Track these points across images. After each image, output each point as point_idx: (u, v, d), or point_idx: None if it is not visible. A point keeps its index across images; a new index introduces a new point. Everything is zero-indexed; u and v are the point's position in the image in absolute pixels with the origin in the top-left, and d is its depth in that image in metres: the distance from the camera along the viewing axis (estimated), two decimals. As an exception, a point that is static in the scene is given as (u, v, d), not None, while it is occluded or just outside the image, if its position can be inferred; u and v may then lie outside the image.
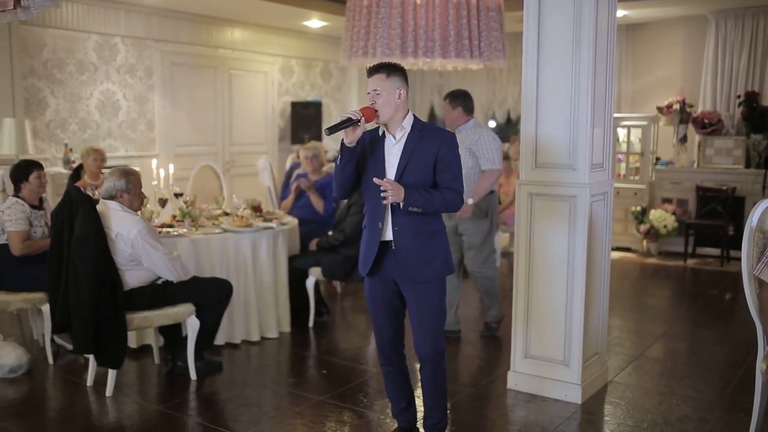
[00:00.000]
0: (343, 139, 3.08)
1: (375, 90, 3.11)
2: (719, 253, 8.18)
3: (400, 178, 3.11)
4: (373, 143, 3.20)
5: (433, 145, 3.13)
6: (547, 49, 3.98)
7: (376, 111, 3.10)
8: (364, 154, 3.18)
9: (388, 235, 3.16)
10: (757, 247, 3.31)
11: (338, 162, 3.15)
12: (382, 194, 3.02)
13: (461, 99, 5.16)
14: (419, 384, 3.46)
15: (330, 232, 5.67)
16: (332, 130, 3.03)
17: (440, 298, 3.25)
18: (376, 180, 3.03)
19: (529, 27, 4.04)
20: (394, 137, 3.17)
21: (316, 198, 6.14)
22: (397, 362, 3.38)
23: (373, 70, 3.16)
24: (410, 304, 3.24)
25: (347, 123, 3.02)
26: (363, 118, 3.04)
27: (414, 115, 3.21)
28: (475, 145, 5.01)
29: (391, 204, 3.07)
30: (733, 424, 3.82)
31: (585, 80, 3.87)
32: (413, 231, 3.13)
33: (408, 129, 3.16)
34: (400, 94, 3.12)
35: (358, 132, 3.05)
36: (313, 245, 5.72)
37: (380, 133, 3.20)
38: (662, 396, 4.21)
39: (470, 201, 4.92)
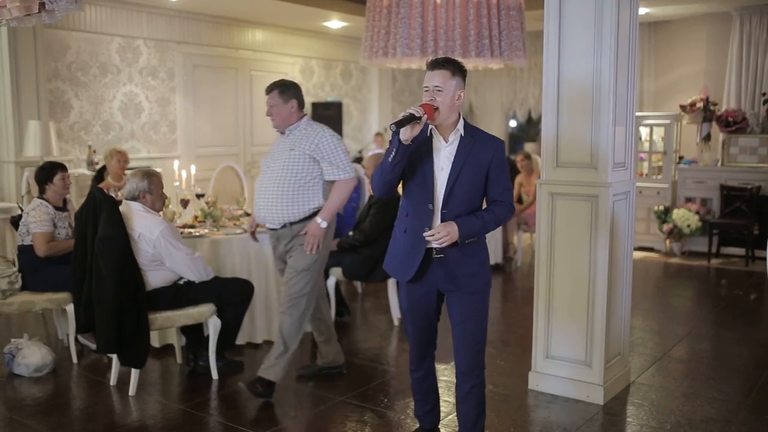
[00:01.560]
0: (396, 136, 2.85)
1: (437, 87, 2.89)
2: (744, 253, 8.08)
3: (452, 185, 2.94)
4: (419, 145, 2.97)
5: (486, 152, 2.97)
6: (568, 48, 3.96)
7: (436, 109, 2.88)
8: (410, 156, 2.95)
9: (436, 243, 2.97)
10: (782, 247, 3.27)
11: (389, 159, 2.89)
12: (437, 242, 2.88)
13: (293, 91, 4.28)
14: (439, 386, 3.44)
15: (351, 232, 5.68)
16: (398, 125, 2.80)
17: (486, 308, 3.11)
18: (426, 235, 2.90)
19: (549, 25, 4.01)
20: (446, 140, 2.97)
21: None
22: (428, 366, 3.32)
23: (437, 65, 2.92)
24: (456, 315, 3.07)
25: (411, 119, 2.80)
26: (425, 115, 2.84)
27: (464, 118, 3.04)
28: (317, 150, 4.06)
29: (441, 212, 2.94)
30: (758, 426, 3.77)
31: (606, 79, 3.84)
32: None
33: (461, 132, 2.97)
34: (459, 96, 2.94)
35: (417, 129, 2.83)
36: (333, 245, 5.73)
37: (428, 133, 2.98)
38: (686, 397, 4.16)
39: (323, 224, 4.05)
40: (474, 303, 3.05)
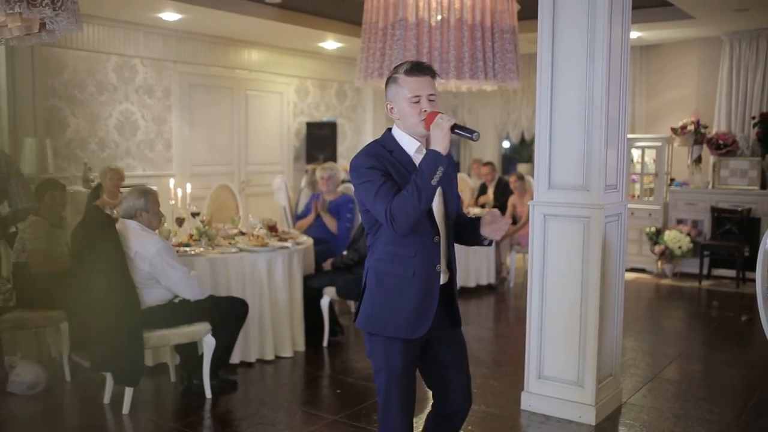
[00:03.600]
0: (436, 151, 2.41)
1: (431, 95, 2.51)
2: (735, 275, 8.13)
3: (446, 208, 2.64)
4: (403, 164, 2.54)
5: (451, 164, 2.66)
6: (560, 71, 4.02)
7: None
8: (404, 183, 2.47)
9: (444, 278, 2.62)
10: (771, 269, 3.32)
11: (434, 181, 2.38)
12: (497, 235, 2.59)
13: None
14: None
15: (345, 252, 5.71)
16: (460, 129, 2.44)
17: None
18: (494, 224, 2.58)
19: (543, 49, 4.08)
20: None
21: (329, 218, 6.18)
22: None
23: (425, 70, 2.53)
24: (449, 352, 2.69)
25: (471, 133, 2.46)
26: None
27: None
28: None
29: (445, 238, 2.62)
30: (749, 447, 3.80)
31: (598, 102, 3.90)
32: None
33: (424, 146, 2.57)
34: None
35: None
36: (327, 265, 5.76)
37: (414, 150, 2.56)
38: (677, 418, 4.19)
39: None
40: (460, 334, 2.76)
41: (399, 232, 2.44)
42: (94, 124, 7.94)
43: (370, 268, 2.61)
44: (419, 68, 2.52)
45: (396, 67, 2.58)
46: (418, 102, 2.50)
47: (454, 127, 2.43)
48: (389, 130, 2.63)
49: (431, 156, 2.40)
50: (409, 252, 2.54)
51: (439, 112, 2.47)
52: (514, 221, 7.99)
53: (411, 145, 2.56)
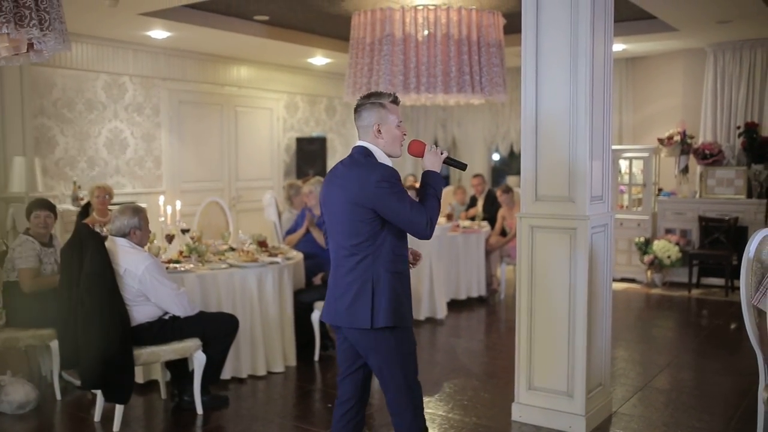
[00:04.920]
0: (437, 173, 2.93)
1: (401, 121, 2.98)
2: (723, 283, 8.19)
3: None
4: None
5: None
6: (545, 84, 4.08)
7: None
8: None
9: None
10: (755, 277, 3.36)
11: (440, 198, 2.92)
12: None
13: None
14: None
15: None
16: (451, 162, 3.06)
17: None
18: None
19: (527, 62, 4.14)
20: None
21: (318, 233, 6.19)
22: None
23: (398, 101, 3.01)
24: None
25: (458, 165, 3.10)
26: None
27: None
28: None
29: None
30: (738, 454, 3.82)
31: (582, 115, 3.95)
32: None
33: None
34: None
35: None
36: (317, 280, 5.77)
37: None
38: (667, 427, 4.21)
39: None
40: None
41: (429, 236, 2.83)
42: (83, 143, 7.95)
43: (384, 271, 2.84)
44: (397, 99, 3.00)
45: (379, 94, 2.98)
46: (400, 127, 2.93)
47: (446, 159, 2.96)
48: (364, 148, 2.92)
49: (437, 175, 2.92)
50: (405, 252, 2.95)
51: (421, 141, 2.98)
52: (504, 233, 8.02)
53: (388, 163, 2.92)
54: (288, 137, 10.53)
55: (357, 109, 2.97)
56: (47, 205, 4.96)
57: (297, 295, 5.52)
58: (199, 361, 4.38)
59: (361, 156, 2.88)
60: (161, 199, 6.53)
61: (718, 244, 8.21)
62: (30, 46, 3.75)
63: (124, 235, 4.26)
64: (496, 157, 12.30)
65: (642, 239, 8.66)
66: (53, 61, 7.52)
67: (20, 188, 6.72)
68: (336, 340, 3.12)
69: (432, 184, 2.89)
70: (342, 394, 3.05)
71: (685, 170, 8.92)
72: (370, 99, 2.94)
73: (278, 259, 5.32)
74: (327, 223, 2.97)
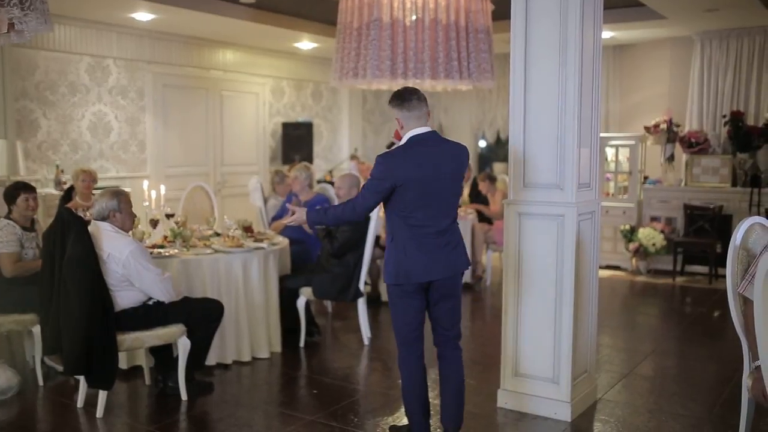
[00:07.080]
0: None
1: None
2: (707, 271, 8.24)
3: None
4: None
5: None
6: (533, 71, 4.05)
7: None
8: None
9: None
10: (741, 265, 3.37)
11: None
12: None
13: None
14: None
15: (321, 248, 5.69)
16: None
17: None
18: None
19: (515, 49, 4.11)
20: None
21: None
22: None
23: None
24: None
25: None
26: None
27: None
28: None
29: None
30: (721, 440, 3.85)
31: (571, 101, 3.93)
32: None
33: None
34: None
35: None
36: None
37: None
38: (651, 413, 4.23)
39: None
40: None
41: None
42: (66, 126, 7.85)
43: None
44: None
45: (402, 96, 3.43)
46: None
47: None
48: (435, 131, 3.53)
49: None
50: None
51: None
52: (489, 221, 8.01)
53: None
54: (274, 122, 10.46)
55: (409, 99, 3.38)
56: (31, 188, 4.91)
57: (283, 281, 5.49)
58: (183, 347, 4.35)
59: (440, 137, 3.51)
60: (145, 183, 6.47)
61: (702, 232, 8.26)
62: (11, 26, 3.68)
63: (104, 219, 4.21)
64: (482, 143, 12.29)
65: (627, 227, 8.69)
66: (35, 42, 7.40)
67: (1, 172, 6.63)
68: (410, 300, 3.52)
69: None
70: (419, 347, 3.69)
71: (670, 158, 8.95)
72: (417, 93, 3.41)
73: (264, 244, 5.28)
74: (422, 195, 3.30)
